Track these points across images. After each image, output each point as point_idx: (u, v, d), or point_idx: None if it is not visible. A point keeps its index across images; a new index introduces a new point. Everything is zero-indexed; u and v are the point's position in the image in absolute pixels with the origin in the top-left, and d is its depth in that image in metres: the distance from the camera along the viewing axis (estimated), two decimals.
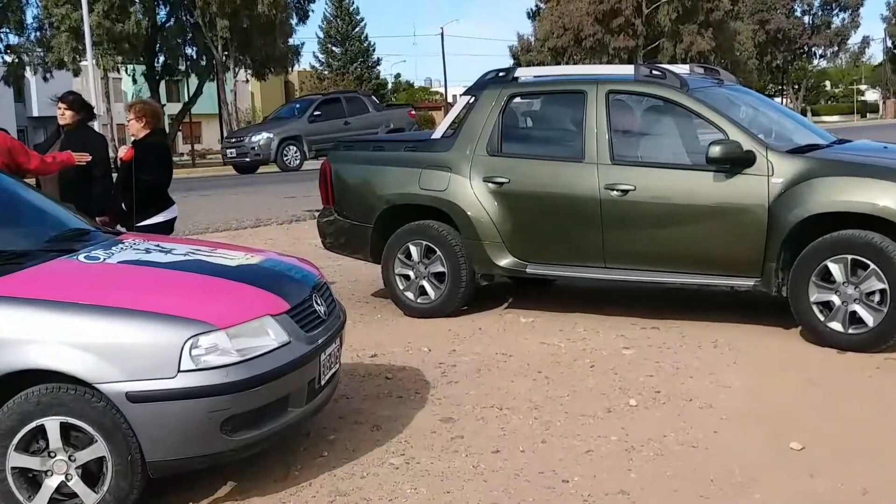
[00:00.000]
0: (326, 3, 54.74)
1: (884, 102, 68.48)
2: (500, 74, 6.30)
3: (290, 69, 38.98)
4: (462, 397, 4.61)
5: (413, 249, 6.30)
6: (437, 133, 6.42)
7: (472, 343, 5.61)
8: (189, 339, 3.15)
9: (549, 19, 44.49)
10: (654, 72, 5.78)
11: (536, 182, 5.93)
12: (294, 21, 35.17)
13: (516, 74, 6.27)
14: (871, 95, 74.79)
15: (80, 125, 6.03)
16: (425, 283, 6.30)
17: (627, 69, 5.99)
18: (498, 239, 6.01)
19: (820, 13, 60.39)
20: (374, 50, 56.06)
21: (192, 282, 3.47)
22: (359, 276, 7.97)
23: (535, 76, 6.41)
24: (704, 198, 5.42)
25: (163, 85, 38.95)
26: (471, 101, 6.28)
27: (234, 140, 23.64)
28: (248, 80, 43.62)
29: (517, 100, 6.28)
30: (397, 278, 6.38)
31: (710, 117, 5.52)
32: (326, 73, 54.86)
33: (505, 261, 6.03)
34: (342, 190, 6.60)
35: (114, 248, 3.79)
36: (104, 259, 3.56)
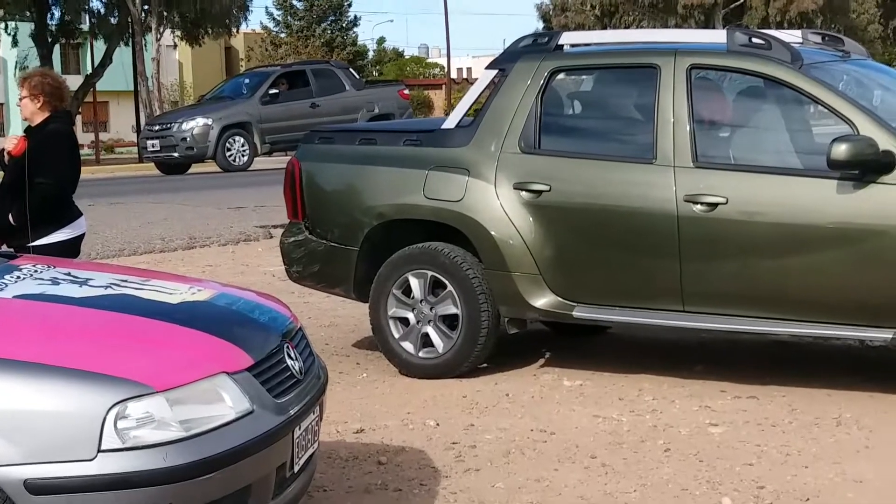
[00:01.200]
0: None
1: None
2: (539, 41, 6.38)
3: (233, 30, 39.27)
4: (485, 492, 4.61)
5: (414, 283, 6.35)
6: (451, 121, 6.48)
7: (496, 415, 5.65)
8: (114, 406, 3.14)
9: None
10: (756, 40, 5.82)
11: (588, 191, 5.99)
12: None
13: (561, 41, 6.35)
14: None
15: None
16: (430, 330, 6.35)
17: (716, 35, 6.07)
18: (534, 269, 6.06)
19: None
20: (349, 5, 56.48)
21: (118, 325, 3.48)
22: (336, 319, 8.02)
23: (587, 44, 6.52)
24: (824, 215, 5.48)
25: (57, 50, 39.29)
26: (497, 78, 6.35)
27: (156, 128, 23.82)
28: (175, 45, 43.90)
29: (562, 76, 6.36)
30: (391, 323, 6.44)
31: (834, 104, 5.57)
32: (283, 36, 55.25)
33: (543, 300, 6.08)
34: (316, 198, 6.66)
35: (6, 276, 3.81)
36: None
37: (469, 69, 69.28)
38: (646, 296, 5.90)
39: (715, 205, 5.67)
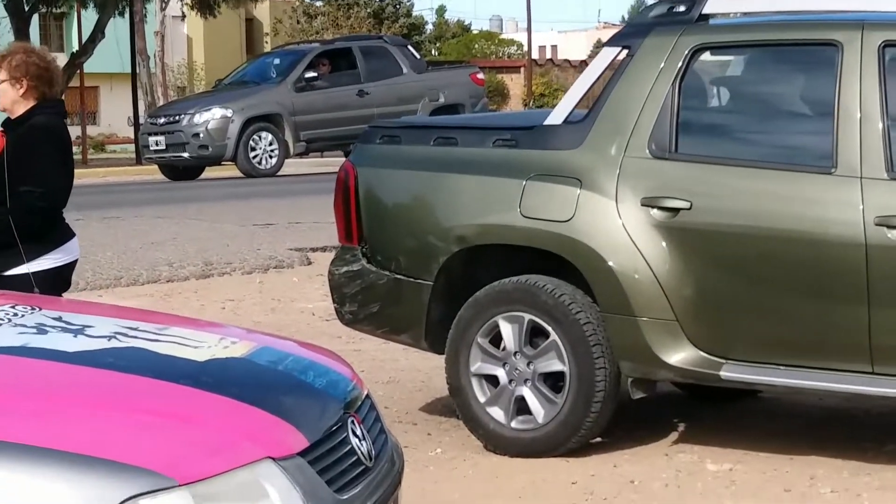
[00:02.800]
0: None
1: None
2: (677, 9, 6.31)
3: None
4: None
5: (506, 329, 6.31)
6: (556, 115, 6.43)
7: None
8: (125, 502, 3.06)
9: None
10: None
11: (742, 210, 5.97)
12: None
13: (706, 9, 6.26)
14: None
15: None
16: (527, 393, 6.30)
17: None
18: (668, 314, 6.00)
19: None
20: None
21: (128, 392, 3.40)
22: (397, 374, 7.99)
23: (742, 13, 6.50)
24: None
25: (35, 21, 39.76)
26: (619, 58, 6.32)
27: (161, 121, 24.11)
28: (183, 17, 44.39)
29: (708, 56, 6.32)
30: (475, 382, 6.40)
31: None
32: (319, 4, 55.73)
33: (681, 355, 6.02)
34: (378, 216, 6.69)
35: None
36: None
37: (554, 47, 69.60)
38: (821, 352, 5.82)
39: None
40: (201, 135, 23.01)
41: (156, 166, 25.14)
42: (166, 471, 3.10)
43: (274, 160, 23.29)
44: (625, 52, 6.26)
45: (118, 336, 3.74)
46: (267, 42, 56.20)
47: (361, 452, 3.63)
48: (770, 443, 6.34)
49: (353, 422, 3.69)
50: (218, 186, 21.81)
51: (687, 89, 6.13)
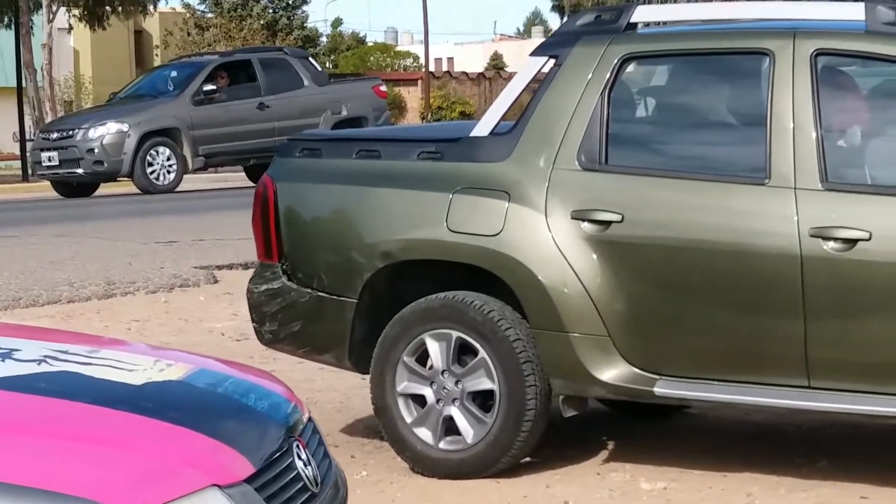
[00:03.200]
0: None
1: None
2: (605, 18, 6.32)
3: (150, 8, 39.21)
4: None
5: (433, 347, 6.27)
6: (483, 126, 6.41)
7: None
8: None
9: None
10: None
11: (674, 222, 5.96)
12: None
13: (634, 18, 6.26)
14: None
15: None
16: (456, 412, 6.25)
17: (850, 10, 5.90)
18: (600, 329, 5.99)
19: None
20: None
21: (61, 418, 3.29)
22: (315, 395, 7.87)
23: (668, 21, 6.51)
24: None
25: None
26: (548, 68, 6.29)
27: (54, 136, 23.91)
28: (70, 29, 43.79)
29: (637, 66, 6.33)
30: (402, 402, 6.35)
31: None
32: (211, 16, 55.32)
33: (613, 372, 6.00)
34: (298, 232, 6.63)
35: None
36: None
37: (451, 59, 69.74)
38: (757, 366, 5.81)
39: (854, 241, 5.59)
40: (96, 150, 22.86)
41: (48, 183, 24.79)
42: (107, 501, 3.00)
43: (172, 175, 23.14)
44: (552, 61, 6.23)
45: (48, 360, 3.65)
46: (157, 55, 55.68)
47: (307, 478, 3.56)
48: (702, 460, 6.33)
49: (297, 446, 3.62)
50: (115, 203, 21.56)
51: (616, 99, 6.12)
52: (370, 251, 6.34)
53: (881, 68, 5.95)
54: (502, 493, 5.99)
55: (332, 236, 6.51)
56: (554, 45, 6.35)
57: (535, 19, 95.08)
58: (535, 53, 6.38)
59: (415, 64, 59.98)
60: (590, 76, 6.11)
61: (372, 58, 62.61)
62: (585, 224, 5.98)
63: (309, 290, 6.52)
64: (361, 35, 73.26)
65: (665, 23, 6.51)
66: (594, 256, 5.96)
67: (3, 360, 3.61)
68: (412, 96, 46.19)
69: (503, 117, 6.36)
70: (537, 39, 79.09)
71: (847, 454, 6.38)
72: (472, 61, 66.62)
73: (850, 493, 5.84)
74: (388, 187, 6.40)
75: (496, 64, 64.49)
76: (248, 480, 3.30)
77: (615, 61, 6.09)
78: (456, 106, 44.98)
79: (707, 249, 5.83)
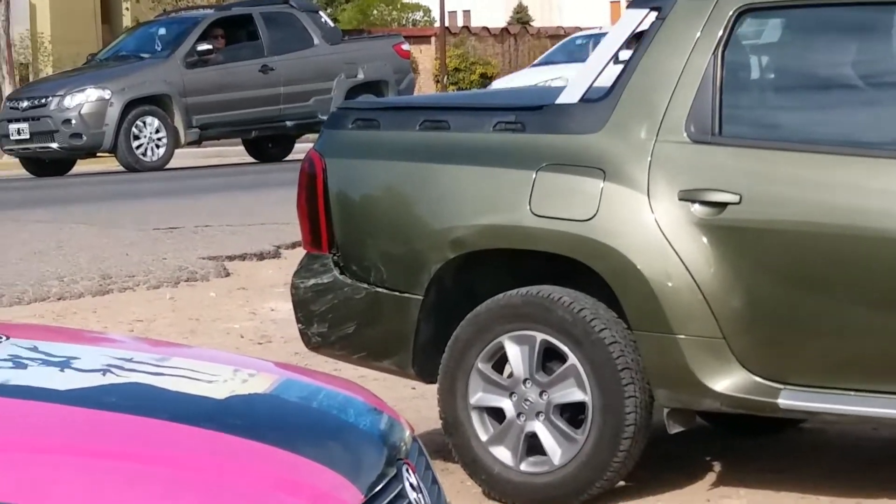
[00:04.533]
0: None
1: None
2: None
3: None
4: None
5: (514, 352, 6.23)
6: (572, 92, 6.35)
7: None
8: None
9: None
10: None
11: (803, 203, 5.90)
12: None
13: None
14: None
15: None
16: (540, 428, 6.20)
17: None
18: (714, 331, 5.92)
19: None
20: None
21: (142, 439, 3.23)
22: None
23: None
24: None
25: None
26: (648, 22, 6.23)
27: (25, 105, 23.85)
28: None
29: (754, 20, 6.25)
30: (476, 416, 6.31)
31: None
32: None
33: (729, 381, 5.92)
34: (353, 218, 6.62)
35: None
36: None
37: (467, 13, 69.75)
38: None
39: None
40: (73, 121, 22.71)
41: (16, 160, 24.67)
42: None
43: (161, 151, 23.04)
44: (654, 14, 6.16)
45: (112, 370, 3.60)
46: (127, 9, 55.57)
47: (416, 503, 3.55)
48: (827, 485, 6.25)
49: (406, 469, 3.59)
50: (99, 183, 21.58)
51: (731, 60, 6.05)
52: (438, 240, 6.31)
53: None
54: None
55: (392, 222, 6.49)
56: None
57: None
58: (633, 5, 6.32)
59: (425, 18, 59.95)
60: (699, 32, 6.02)
61: (375, 11, 62.54)
62: (696, 206, 5.91)
63: (365, 286, 6.48)
64: None
65: None
66: (706, 244, 5.89)
67: (62, 370, 3.58)
68: (424, 56, 46.09)
69: (596, 81, 6.27)
70: None
71: None
72: (493, 16, 66.63)
73: None
74: (459, 164, 6.36)
75: (520, 18, 64.31)
76: None
77: (730, 14, 5.99)
78: (476, 67, 44.87)
79: (841, 236, 5.77)
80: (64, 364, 3.64)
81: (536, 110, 6.35)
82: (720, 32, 5.98)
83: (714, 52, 5.98)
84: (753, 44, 6.33)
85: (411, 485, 3.55)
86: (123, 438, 3.21)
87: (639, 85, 6.09)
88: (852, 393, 5.78)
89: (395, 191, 6.53)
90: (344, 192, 6.55)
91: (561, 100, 6.29)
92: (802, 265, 5.85)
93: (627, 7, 6.37)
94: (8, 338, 3.81)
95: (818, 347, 5.85)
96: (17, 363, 3.61)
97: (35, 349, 3.77)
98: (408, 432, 3.84)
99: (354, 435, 3.59)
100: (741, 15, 6.01)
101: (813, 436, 7.09)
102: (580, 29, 44.88)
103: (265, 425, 3.42)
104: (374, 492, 3.36)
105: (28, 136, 23.20)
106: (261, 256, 12.32)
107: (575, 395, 6.07)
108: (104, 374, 3.58)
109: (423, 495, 3.60)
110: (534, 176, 6.14)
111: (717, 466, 6.61)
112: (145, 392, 3.53)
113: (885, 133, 5.89)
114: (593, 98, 6.22)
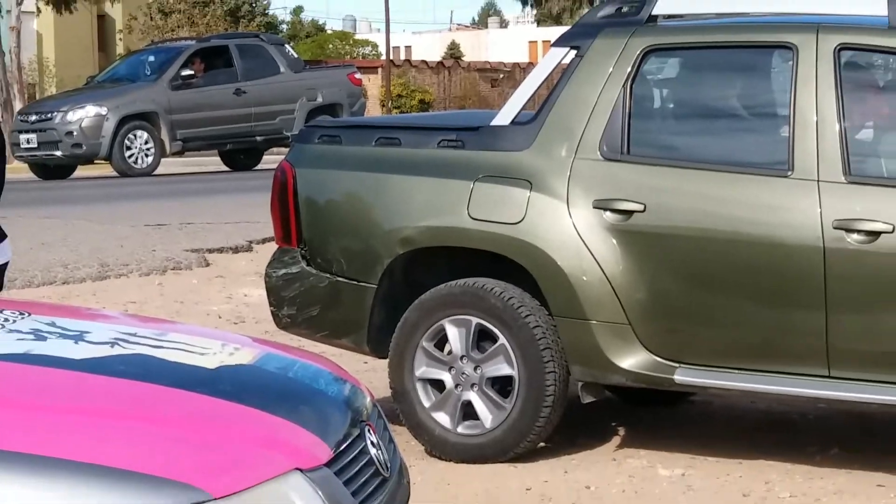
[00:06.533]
0: None
1: None
2: (626, 10, 6.29)
3: None
4: None
5: (453, 333, 6.25)
6: (504, 115, 6.38)
7: None
8: None
9: None
10: None
11: (697, 212, 5.96)
12: None
13: (656, 10, 6.23)
14: None
15: None
16: (475, 397, 6.23)
17: (873, 5, 5.88)
18: (620, 317, 5.99)
19: None
20: None
21: (148, 402, 3.25)
22: None
23: (690, 14, 6.43)
24: None
25: None
26: (568, 59, 6.27)
27: (34, 118, 23.81)
28: (38, 12, 43.41)
29: (657, 59, 6.31)
30: (420, 387, 6.32)
31: None
32: (173, 1, 54.81)
33: (633, 359, 6.00)
34: (318, 218, 6.60)
35: None
36: None
37: (409, 48, 69.46)
38: (777, 355, 5.82)
39: (877, 234, 5.59)
40: (75, 133, 22.66)
41: (24, 165, 24.56)
42: (203, 484, 2.96)
43: (150, 159, 22.98)
44: (574, 52, 6.21)
45: (119, 342, 3.60)
46: (120, 39, 55.16)
47: (379, 462, 3.54)
48: (715, 447, 6.33)
49: (368, 430, 3.60)
50: (97, 186, 21.34)
51: (638, 92, 6.10)
52: (391, 238, 6.32)
53: None
54: (522, 478, 5.96)
55: (352, 222, 6.48)
56: (575, 37, 6.31)
57: (489, 10, 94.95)
58: (556, 44, 6.36)
59: (373, 52, 59.65)
60: (611, 68, 6.08)
61: (331, 45, 62.22)
62: (607, 213, 5.97)
63: (328, 275, 6.48)
64: (321, 23, 72.98)
65: (686, 15, 6.44)
66: (615, 245, 5.95)
67: (76, 342, 3.57)
68: (372, 84, 45.77)
69: (525, 106, 6.33)
70: (493, 29, 79.09)
71: (857, 443, 6.38)
72: (430, 50, 66.41)
73: (866, 481, 5.84)
74: (408, 174, 6.37)
75: (454, 53, 64.23)
76: (329, 464, 3.28)
77: (637, 53, 6.06)
78: (416, 94, 44.72)
79: (728, 240, 5.82)
80: (78, 337, 3.63)
81: (474, 130, 6.36)
82: (629, 69, 6.03)
83: (624, 85, 6.03)
84: (657, 78, 6.38)
85: (372, 443, 3.56)
86: (130, 400, 3.23)
87: (560, 111, 6.12)
88: (736, 371, 5.85)
89: (354, 196, 6.51)
90: (311, 196, 6.53)
91: (495, 122, 6.30)
92: (696, 264, 5.90)
93: (552, 45, 6.38)
94: (29, 314, 3.81)
95: (708, 333, 5.90)
96: (38, 336, 3.60)
97: (53, 324, 3.75)
98: (368, 399, 3.83)
99: (324, 400, 3.59)
100: (647, 54, 6.07)
101: (702, 407, 7.13)
102: (504, 64, 45.21)
103: (250, 391, 3.43)
104: (340, 449, 3.36)
105: (36, 145, 23.18)
106: (236, 250, 12.32)
107: (504, 369, 6.11)
108: (112, 346, 3.57)
109: (382, 451, 3.60)
110: (472, 186, 6.17)
111: (621, 431, 6.66)
112: (148, 362, 3.52)
113: (765, 155, 5.93)
114: (522, 121, 6.24)
